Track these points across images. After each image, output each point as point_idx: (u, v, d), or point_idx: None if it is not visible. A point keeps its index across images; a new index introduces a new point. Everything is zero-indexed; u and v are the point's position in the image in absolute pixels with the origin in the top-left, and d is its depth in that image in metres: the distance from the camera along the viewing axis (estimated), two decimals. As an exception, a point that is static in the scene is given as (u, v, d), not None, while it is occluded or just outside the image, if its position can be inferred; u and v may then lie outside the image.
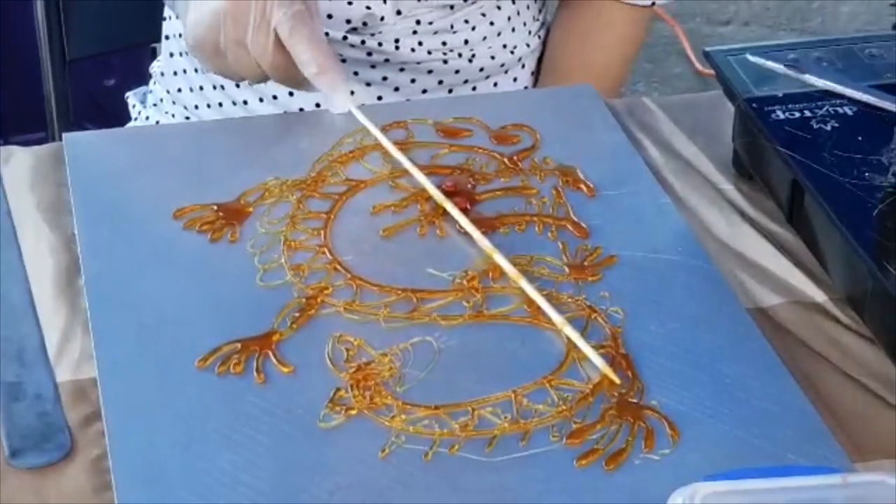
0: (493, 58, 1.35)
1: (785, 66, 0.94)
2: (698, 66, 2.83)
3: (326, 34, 1.26)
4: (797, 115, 1.06)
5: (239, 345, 0.92)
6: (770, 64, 0.95)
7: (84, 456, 0.86)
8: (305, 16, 1.06)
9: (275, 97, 1.32)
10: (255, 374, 0.90)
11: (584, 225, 1.05)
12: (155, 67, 1.43)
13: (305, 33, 1.06)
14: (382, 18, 1.29)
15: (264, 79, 1.10)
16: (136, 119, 1.44)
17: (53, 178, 1.10)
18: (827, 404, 0.92)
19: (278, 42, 1.06)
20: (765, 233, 1.07)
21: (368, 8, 1.28)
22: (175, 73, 1.39)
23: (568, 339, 0.94)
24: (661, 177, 1.13)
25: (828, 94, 1.07)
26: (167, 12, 1.39)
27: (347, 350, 0.93)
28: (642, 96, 1.39)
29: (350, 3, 1.27)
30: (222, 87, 1.34)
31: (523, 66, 1.40)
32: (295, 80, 1.09)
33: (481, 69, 1.35)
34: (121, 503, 0.81)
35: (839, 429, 0.90)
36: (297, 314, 0.95)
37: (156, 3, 1.39)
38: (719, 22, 3.05)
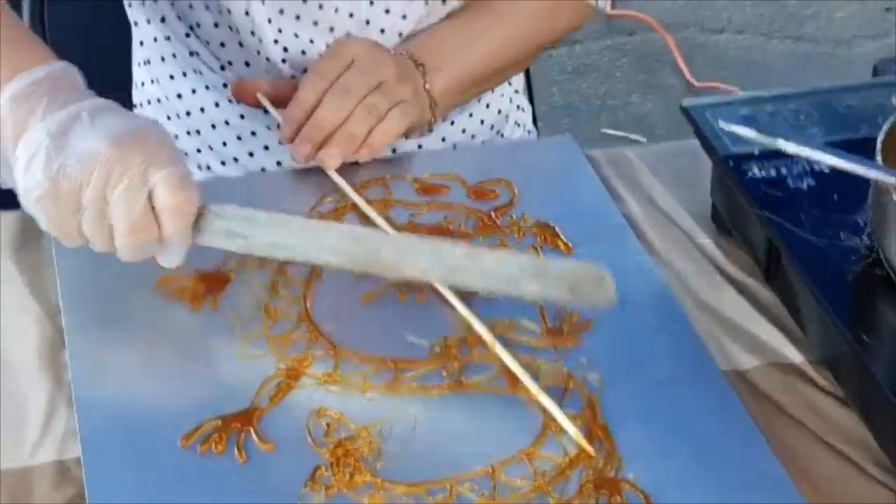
0: None
1: (757, 132, 0.94)
2: (690, 78, 2.83)
3: (293, 77, 1.26)
4: (773, 172, 1.06)
5: (220, 421, 0.93)
6: (742, 130, 0.96)
7: (68, 542, 0.88)
8: (186, 181, 0.97)
9: (236, 159, 1.32)
10: (236, 452, 0.91)
11: (562, 286, 1.05)
12: None
13: (178, 201, 0.97)
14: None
15: (110, 244, 0.99)
16: None
17: (39, 244, 1.11)
18: (802, 471, 0.93)
19: (149, 204, 0.96)
20: (743, 289, 1.08)
21: (304, 53, 1.27)
22: None
23: (545, 409, 0.95)
24: (640, 230, 1.14)
25: (804, 150, 1.08)
26: (137, 77, 1.39)
27: (327, 424, 0.94)
28: (626, 144, 1.38)
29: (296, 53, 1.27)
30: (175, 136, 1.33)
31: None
32: (143, 247, 0.99)
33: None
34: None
35: (815, 496, 0.90)
36: (276, 388, 0.96)
37: (128, 59, 1.38)
38: (713, 30, 3.05)
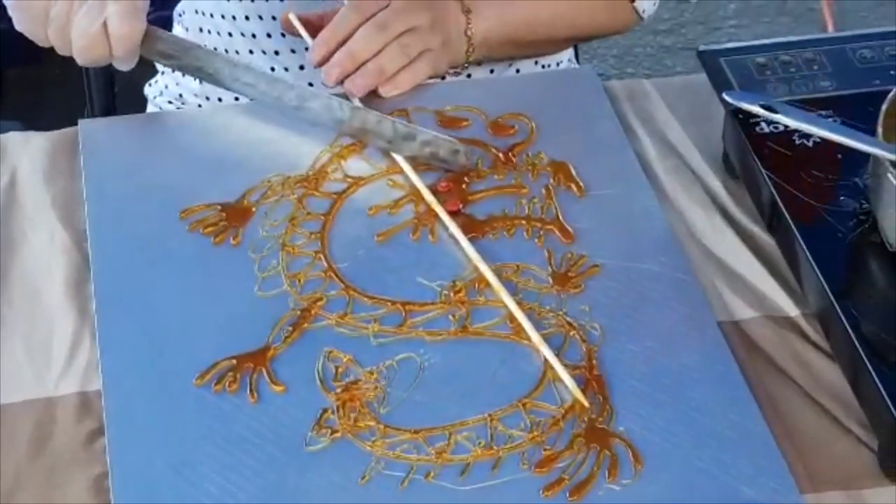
0: None
1: (760, 106, 0.97)
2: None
3: None
4: (781, 127, 1.09)
5: (235, 360, 0.98)
6: (747, 105, 0.98)
7: (88, 474, 0.93)
8: (136, 13, 1.13)
9: None
10: (248, 393, 0.96)
11: (570, 229, 1.09)
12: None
13: (127, 30, 1.13)
14: None
15: (70, 52, 1.14)
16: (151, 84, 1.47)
17: (69, 167, 1.15)
18: (787, 427, 0.97)
19: (103, 29, 1.12)
20: (746, 236, 1.11)
21: None
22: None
23: (545, 357, 0.99)
24: (652, 171, 1.17)
25: (814, 104, 1.10)
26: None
27: (337, 367, 0.98)
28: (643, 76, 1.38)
29: None
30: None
31: None
32: (96, 60, 1.14)
33: None
34: (119, 528, 0.89)
35: (796, 454, 0.95)
36: (290, 328, 1.01)
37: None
38: None
